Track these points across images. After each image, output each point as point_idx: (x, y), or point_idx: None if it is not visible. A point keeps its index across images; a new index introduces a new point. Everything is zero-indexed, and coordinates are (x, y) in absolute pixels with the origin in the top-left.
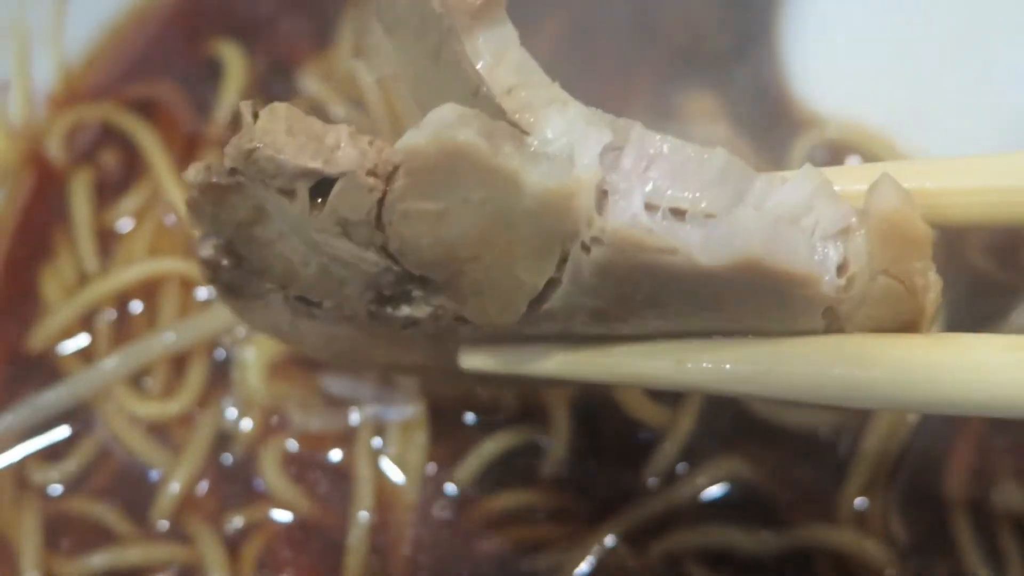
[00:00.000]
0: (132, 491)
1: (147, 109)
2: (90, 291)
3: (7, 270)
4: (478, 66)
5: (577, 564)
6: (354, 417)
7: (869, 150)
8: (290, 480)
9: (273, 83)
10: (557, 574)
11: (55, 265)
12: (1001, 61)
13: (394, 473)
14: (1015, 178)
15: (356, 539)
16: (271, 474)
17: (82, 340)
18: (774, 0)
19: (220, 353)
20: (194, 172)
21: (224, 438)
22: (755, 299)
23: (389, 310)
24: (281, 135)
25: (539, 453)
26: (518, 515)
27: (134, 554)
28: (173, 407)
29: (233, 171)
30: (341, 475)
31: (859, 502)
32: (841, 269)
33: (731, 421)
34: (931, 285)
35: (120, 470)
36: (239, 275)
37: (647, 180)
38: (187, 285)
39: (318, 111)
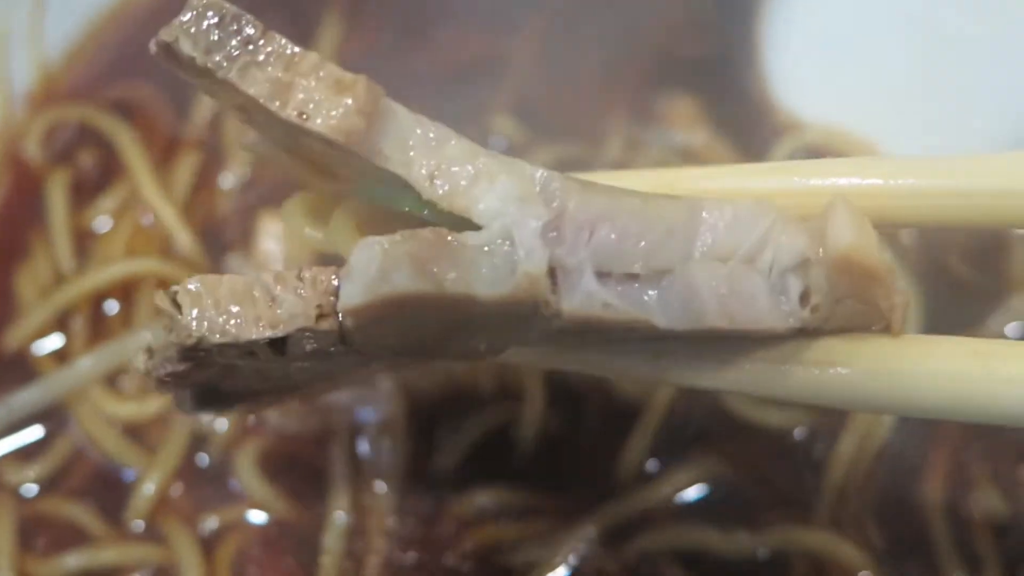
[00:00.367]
0: (107, 492)
1: (125, 110)
2: (66, 291)
3: None
4: (393, 170)
5: (552, 562)
6: (330, 418)
7: (849, 155)
8: (266, 481)
9: None
10: (532, 572)
11: (31, 265)
12: (982, 67)
13: (370, 474)
14: (994, 179)
15: (331, 540)
16: (247, 475)
17: (57, 340)
18: (755, 5)
19: None
20: (145, 365)
21: (200, 439)
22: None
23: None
24: (213, 315)
25: (515, 447)
26: (494, 513)
27: (109, 555)
28: (149, 407)
29: (185, 358)
30: (317, 476)
31: (835, 504)
32: (803, 298)
33: (708, 421)
34: (897, 305)
35: (95, 470)
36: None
37: (594, 249)
38: (164, 285)
39: None
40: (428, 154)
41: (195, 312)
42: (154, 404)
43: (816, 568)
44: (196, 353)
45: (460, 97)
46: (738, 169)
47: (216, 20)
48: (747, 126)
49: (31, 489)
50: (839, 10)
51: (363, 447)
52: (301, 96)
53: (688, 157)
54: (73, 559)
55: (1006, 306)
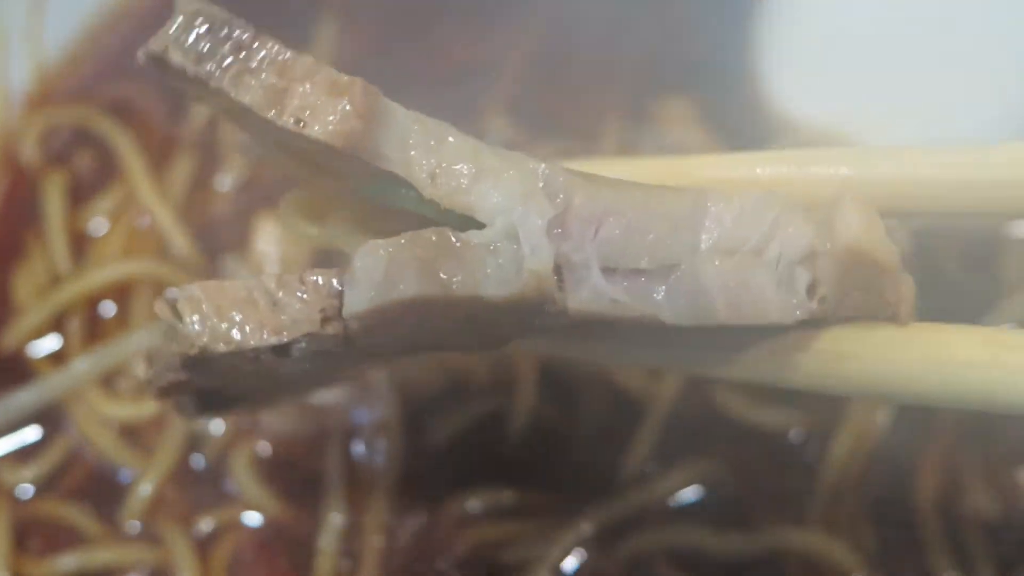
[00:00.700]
0: (103, 493)
1: (122, 111)
2: (62, 292)
3: None
4: (393, 171)
5: (547, 561)
6: (325, 419)
7: None
8: (261, 482)
9: None
10: (525, 569)
11: (27, 266)
12: (978, 68)
13: (365, 474)
14: (990, 172)
15: (327, 541)
16: (242, 476)
17: (54, 342)
18: (750, 5)
19: None
20: (146, 374)
21: (195, 440)
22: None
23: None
24: (216, 323)
25: (510, 444)
26: (489, 512)
27: (104, 556)
28: (145, 409)
29: (187, 367)
30: (312, 478)
31: (828, 505)
32: (811, 289)
33: (703, 423)
34: (904, 294)
35: (91, 472)
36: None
37: (600, 245)
38: (160, 287)
39: None
40: (428, 153)
41: (197, 321)
42: (150, 406)
43: (809, 569)
44: (199, 361)
45: (455, 97)
46: (744, 157)
47: (206, 27)
48: (741, 126)
49: (27, 490)
50: (833, 11)
51: (358, 448)
52: (297, 102)
53: None
54: (69, 560)
55: (1000, 308)
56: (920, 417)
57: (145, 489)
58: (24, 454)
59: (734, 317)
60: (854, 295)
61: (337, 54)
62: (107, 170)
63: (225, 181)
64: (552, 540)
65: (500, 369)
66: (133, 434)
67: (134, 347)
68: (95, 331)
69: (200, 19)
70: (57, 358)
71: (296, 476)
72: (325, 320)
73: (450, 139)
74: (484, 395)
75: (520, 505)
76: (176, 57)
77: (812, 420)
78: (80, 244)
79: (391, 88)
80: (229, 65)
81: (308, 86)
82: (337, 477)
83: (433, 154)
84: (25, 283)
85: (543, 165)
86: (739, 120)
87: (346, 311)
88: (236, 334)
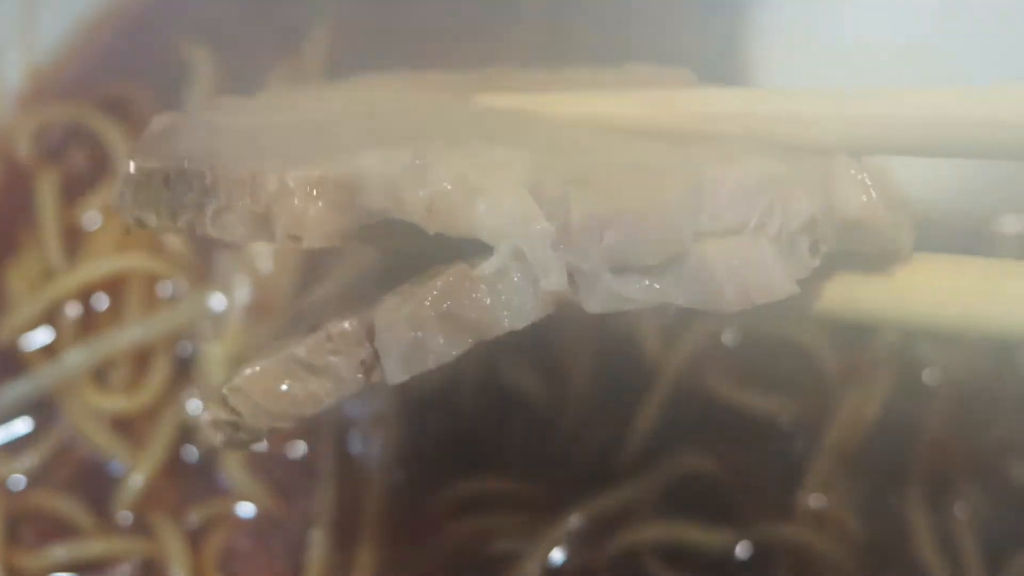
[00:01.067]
0: (94, 484)
1: (116, 108)
2: (55, 286)
3: None
4: (390, 216)
5: (533, 554)
6: (320, 411)
7: None
8: (253, 474)
9: (241, 85)
10: (513, 562)
11: (21, 261)
12: (971, 76)
13: (359, 467)
14: (973, 111)
15: (320, 534)
16: (234, 468)
17: (47, 335)
18: (741, 9)
19: (185, 348)
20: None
21: (187, 432)
22: None
23: None
24: (272, 406)
25: (504, 435)
26: (480, 504)
27: (96, 547)
28: (137, 401)
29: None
30: (305, 470)
31: (817, 499)
32: (813, 248)
33: (692, 416)
34: (904, 245)
35: (83, 463)
36: None
37: (606, 250)
38: (152, 281)
39: None
40: (415, 183)
41: (254, 412)
42: (141, 398)
43: (798, 562)
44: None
45: None
46: (733, 93)
47: (162, 183)
48: None
49: (19, 481)
50: (825, 15)
51: (352, 440)
52: (283, 221)
53: None
54: (60, 551)
55: None
56: (910, 409)
57: (137, 481)
58: (16, 446)
59: (744, 302)
60: (853, 243)
61: (328, 59)
62: (101, 166)
63: None
64: (541, 533)
65: (499, 367)
66: (125, 426)
67: (127, 340)
68: (88, 324)
69: (152, 179)
70: (49, 351)
71: (289, 469)
72: (367, 371)
73: (431, 161)
74: (478, 390)
75: (508, 498)
76: (151, 220)
77: (802, 411)
78: (73, 239)
79: None
80: (204, 207)
81: (285, 199)
82: (330, 470)
83: (420, 183)
84: (18, 277)
85: (528, 172)
86: None
87: (389, 381)
88: (293, 411)
